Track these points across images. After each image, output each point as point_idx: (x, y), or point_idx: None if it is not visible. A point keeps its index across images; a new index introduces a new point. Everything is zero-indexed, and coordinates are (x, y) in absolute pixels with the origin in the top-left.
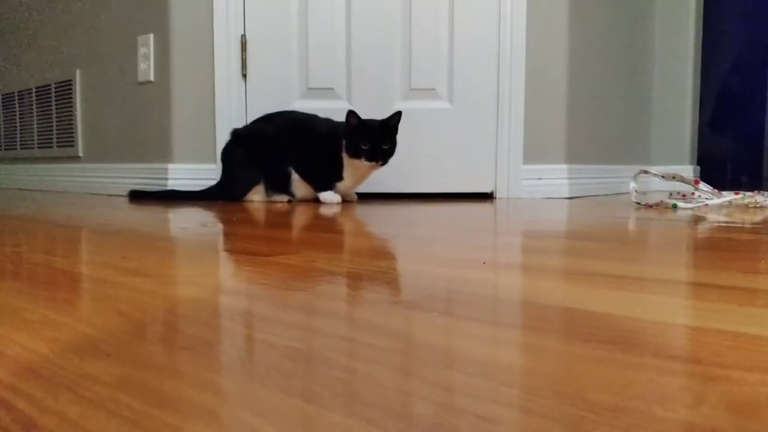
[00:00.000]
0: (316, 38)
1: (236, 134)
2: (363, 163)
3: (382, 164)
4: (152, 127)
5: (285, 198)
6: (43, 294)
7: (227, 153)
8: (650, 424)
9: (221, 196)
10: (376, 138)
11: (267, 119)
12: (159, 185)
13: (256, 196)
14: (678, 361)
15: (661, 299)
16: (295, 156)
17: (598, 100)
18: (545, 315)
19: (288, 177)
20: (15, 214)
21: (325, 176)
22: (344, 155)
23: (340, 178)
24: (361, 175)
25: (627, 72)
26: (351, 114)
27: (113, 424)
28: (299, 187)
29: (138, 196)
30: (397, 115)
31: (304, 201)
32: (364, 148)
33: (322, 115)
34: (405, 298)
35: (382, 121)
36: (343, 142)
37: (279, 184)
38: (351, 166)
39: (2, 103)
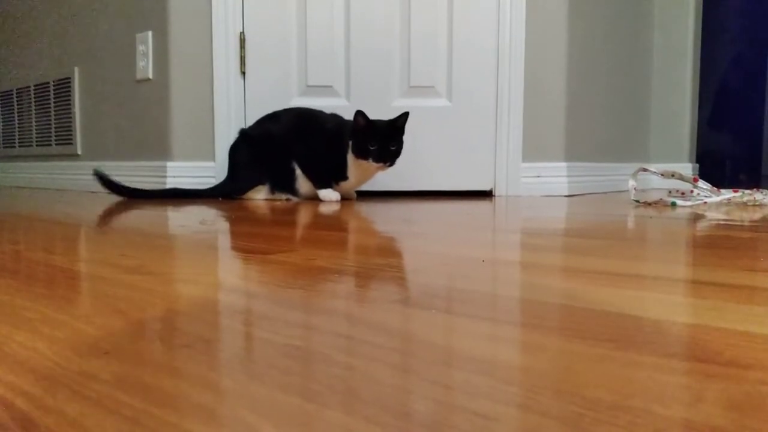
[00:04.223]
0: (315, 35)
1: (244, 134)
2: (371, 164)
3: (390, 165)
4: (151, 125)
5: (284, 196)
6: (42, 292)
7: (233, 152)
8: (649, 422)
9: (224, 194)
10: (384, 139)
11: (275, 117)
12: (158, 183)
13: (259, 194)
14: (677, 358)
15: (660, 297)
16: (300, 152)
17: (598, 97)
18: (544, 312)
19: (292, 173)
20: (13, 212)
21: (326, 174)
22: (350, 155)
23: (344, 177)
24: (366, 176)
25: (626, 69)
26: (359, 114)
27: (112, 422)
28: (303, 184)
29: (136, 195)
30: (405, 116)
31: (308, 199)
32: (372, 149)
33: None
34: (404, 295)
35: (390, 121)
36: (350, 142)
37: (284, 183)
38: (357, 167)
39: (1, 100)
